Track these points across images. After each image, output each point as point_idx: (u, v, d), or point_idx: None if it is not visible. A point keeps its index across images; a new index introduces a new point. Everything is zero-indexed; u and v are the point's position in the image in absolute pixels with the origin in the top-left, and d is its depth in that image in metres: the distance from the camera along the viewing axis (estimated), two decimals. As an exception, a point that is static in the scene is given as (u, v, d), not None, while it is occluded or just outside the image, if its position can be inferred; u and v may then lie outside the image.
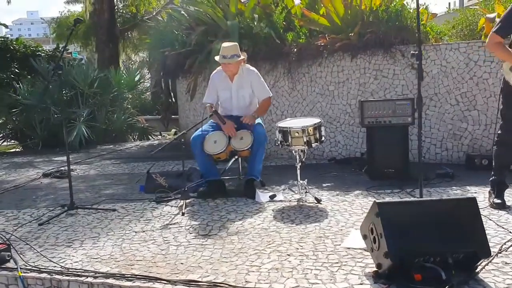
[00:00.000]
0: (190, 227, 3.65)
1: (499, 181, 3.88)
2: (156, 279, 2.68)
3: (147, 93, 11.76)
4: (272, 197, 4.37)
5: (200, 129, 4.71)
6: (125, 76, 11.18)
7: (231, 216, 3.90)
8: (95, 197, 4.85)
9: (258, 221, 3.72)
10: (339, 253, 2.96)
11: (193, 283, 2.61)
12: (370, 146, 5.19)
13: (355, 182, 4.96)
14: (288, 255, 2.97)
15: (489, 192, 3.96)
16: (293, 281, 2.57)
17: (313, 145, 4.23)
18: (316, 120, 4.30)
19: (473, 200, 2.56)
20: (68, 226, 3.83)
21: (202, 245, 3.24)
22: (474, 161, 5.36)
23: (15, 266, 2.94)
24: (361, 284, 2.49)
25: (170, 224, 3.76)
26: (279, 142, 4.36)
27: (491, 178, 3.95)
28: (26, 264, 3.00)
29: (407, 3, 5.95)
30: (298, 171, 4.31)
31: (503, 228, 3.26)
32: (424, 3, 6.33)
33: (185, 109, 8.47)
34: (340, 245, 3.11)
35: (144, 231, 3.61)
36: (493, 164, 3.95)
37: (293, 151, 4.33)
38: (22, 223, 3.94)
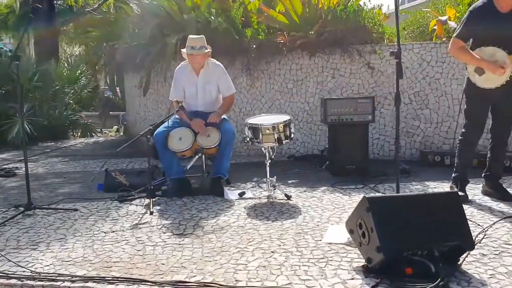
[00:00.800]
0: (162, 227, 3.53)
1: (462, 178, 4.05)
2: (140, 281, 2.55)
3: (88, 88, 11.23)
4: (241, 195, 4.32)
5: (164, 125, 4.55)
6: (66, 69, 10.68)
7: (203, 215, 3.81)
8: (50, 196, 4.57)
9: (233, 219, 3.66)
10: (322, 248, 2.96)
11: (181, 284, 2.52)
12: (331, 143, 5.27)
13: (318, 179, 5.01)
14: (272, 252, 2.94)
15: (451, 187, 4.13)
16: (284, 278, 2.55)
17: (284, 142, 4.21)
18: (286, 117, 4.29)
19: (455, 194, 2.65)
20: (28, 227, 3.58)
21: (179, 244, 3.14)
22: (427, 158, 5.59)
23: (-21, 273, 2.69)
24: (352, 279, 2.51)
25: (140, 224, 3.61)
26: (248, 139, 4.31)
27: (454, 175, 4.12)
28: (-10, 270, 2.76)
29: (364, 3, 6.09)
30: (268, 168, 4.28)
31: (471, 221, 3.40)
32: (380, 4, 6.47)
33: (135, 105, 8.20)
34: (321, 240, 3.11)
35: (113, 231, 3.44)
36: (456, 161, 4.11)
37: (263, 148, 4.30)
38: (-26, 226, 3.64)
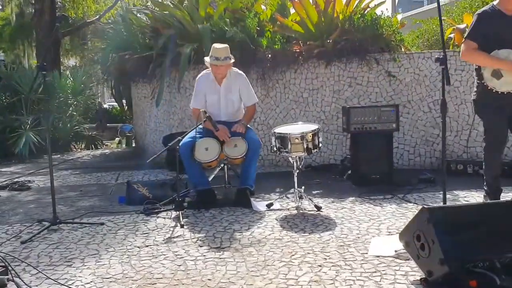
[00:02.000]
0: (197, 240, 3.41)
1: (494, 189, 3.95)
2: (192, 299, 2.44)
3: (93, 100, 11.14)
4: (269, 206, 4.22)
5: (189, 135, 4.45)
6: (70, 81, 10.55)
7: (236, 227, 3.70)
8: (71, 210, 4.43)
9: (267, 231, 3.56)
10: (371, 262, 2.87)
11: (235, 300, 2.41)
12: (354, 152, 5.19)
13: (342, 189, 4.92)
14: (320, 266, 2.84)
15: (484, 196, 4.04)
16: (341, 294, 2.45)
17: (313, 151, 4.13)
18: (315, 126, 4.22)
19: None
20: (57, 243, 3.45)
21: (220, 258, 3.03)
22: (450, 166, 5.53)
23: (18, 291, 2.56)
24: (413, 293, 2.41)
25: (173, 237, 3.49)
26: (275, 149, 4.22)
27: (485, 188, 3.98)
28: (29, 287, 2.63)
29: (381, 11, 6.06)
30: (296, 178, 4.21)
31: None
32: (396, 13, 6.44)
33: (145, 116, 8.09)
34: (367, 253, 3.02)
35: (147, 246, 3.32)
36: (485, 174, 4.00)
37: (290, 158, 4.21)
38: (0, 242, 3.50)
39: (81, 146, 10.30)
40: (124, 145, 12.57)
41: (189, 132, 4.29)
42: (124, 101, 9.99)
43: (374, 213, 3.94)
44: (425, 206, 2.47)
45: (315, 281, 2.61)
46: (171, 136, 6.80)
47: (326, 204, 4.29)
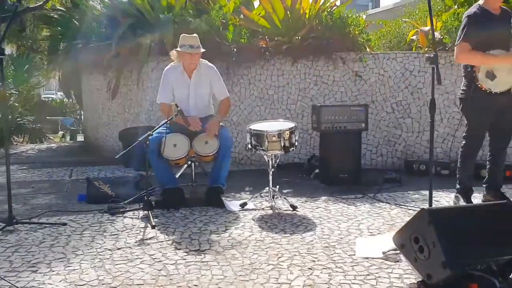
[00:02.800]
0: (172, 242, 3.20)
1: (467, 188, 4.02)
2: (183, 307, 2.24)
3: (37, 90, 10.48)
4: (243, 206, 4.06)
5: (156, 131, 4.19)
6: (11, 69, 9.86)
7: (212, 228, 3.51)
8: (26, 209, 4.06)
9: (246, 233, 3.40)
10: (362, 264, 2.78)
11: (231, 309, 2.24)
12: (324, 151, 5.13)
13: (312, 188, 4.85)
14: (310, 269, 2.72)
15: (456, 197, 4.08)
16: (340, 299, 2.34)
17: (290, 149, 4.01)
18: (291, 124, 4.10)
19: (509, 205, 2.57)
20: (15, 245, 3.11)
21: (202, 262, 2.84)
22: (412, 166, 5.61)
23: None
24: (413, 297, 2.34)
25: (146, 239, 3.26)
26: (250, 146, 4.07)
27: (458, 187, 4.05)
28: (-7, 299, 2.33)
29: (350, 10, 6.04)
30: (271, 177, 4.08)
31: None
32: (361, 13, 6.44)
33: (97, 109, 7.66)
34: (354, 255, 2.93)
35: (119, 248, 3.07)
36: (459, 173, 4.04)
37: (265, 156, 4.08)
38: None
39: (24, 139, 9.65)
40: (68, 139, 11.96)
41: (160, 126, 4.03)
42: (72, 93, 9.47)
43: (350, 213, 3.89)
44: (424, 208, 2.42)
45: (309, 285, 2.49)
46: (127, 131, 6.48)
47: (300, 203, 4.18)
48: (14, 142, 9.56)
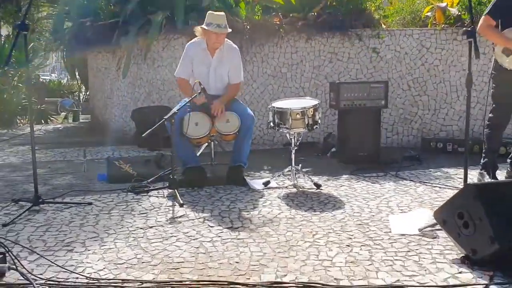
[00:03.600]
0: (204, 220, 3.17)
1: (491, 163, 4.01)
2: (230, 284, 2.21)
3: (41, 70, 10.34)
4: (266, 184, 4.02)
5: (175, 109, 4.11)
6: (14, 50, 9.66)
7: (240, 206, 3.48)
8: (48, 189, 4.01)
9: (275, 210, 3.37)
10: (400, 241, 2.76)
11: (279, 285, 2.21)
12: (342, 129, 5.08)
13: (331, 167, 4.82)
14: (348, 245, 2.69)
15: (481, 173, 4.07)
16: (386, 275, 2.31)
17: (314, 127, 3.96)
18: (315, 101, 4.04)
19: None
20: (45, 225, 3.07)
21: (238, 239, 2.81)
22: (430, 144, 5.57)
23: (24, 281, 2.21)
24: (460, 273, 2.32)
25: (176, 217, 3.22)
26: (272, 125, 4.02)
27: (483, 161, 4.06)
28: (36, 277, 2.28)
29: (365, -15, 5.93)
30: (293, 156, 4.04)
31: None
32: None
33: (105, 88, 7.54)
34: (390, 232, 2.91)
35: (151, 227, 3.03)
36: (485, 146, 4.05)
37: (288, 134, 4.03)
38: (-24, 224, 3.07)
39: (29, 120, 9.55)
40: (71, 120, 11.87)
41: (184, 104, 3.95)
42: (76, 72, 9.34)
43: (376, 191, 3.86)
44: (470, 183, 2.38)
45: (351, 262, 2.47)
46: (140, 110, 6.41)
47: (322, 182, 4.14)
48: (21, 123, 9.48)
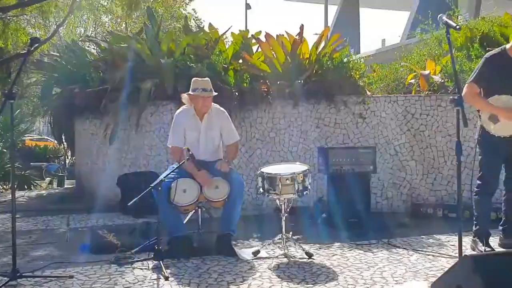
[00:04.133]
0: (191, 295, 3.01)
1: (484, 230, 3.95)
2: None
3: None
4: (255, 254, 3.89)
5: (165, 177, 4.05)
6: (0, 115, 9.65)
7: (228, 279, 3.34)
8: (26, 261, 3.82)
9: (266, 283, 3.23)
10: (397, 315, 2.64)
11: None
12: (332, 194, 5.03)
13: (323, 233, 4.72)
14: (344, 322, 2.56)
15: (474, 241, 3.99)
16: None
17: (304, 193, 3.90)
18: (304, 167, 4.01)
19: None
20: (22, 303, 2.89)
21: (227, 317, 2.66)
22: (420, 210, 5.53)
23: None
24: None
25: (162, 292, 3.06)
26: (262, 190, 3.95)
27: (475, 228, 4.00)
28: None
29: (351, 54, 6.11)
30: (284, 223, 3.95)
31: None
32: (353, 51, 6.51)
33: (91, 154, 7.45)
34: (386, 305, 2.79)
35: (135, 304, 2.87)
36: (475, 214, 4.00)
37: (277, 201, 3.96)
38: None
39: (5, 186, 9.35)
40: (55, 186, 11.65)
41: (172, 171, 3.89)
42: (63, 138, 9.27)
43: (369, 260, 3.75)
44: (467, 255, 2.31)
45: None
46: (127, 177, 6.32)
47: (314, 250, 4.03)
48: (1, 190, 9.26)
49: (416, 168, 5.91)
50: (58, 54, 8.29)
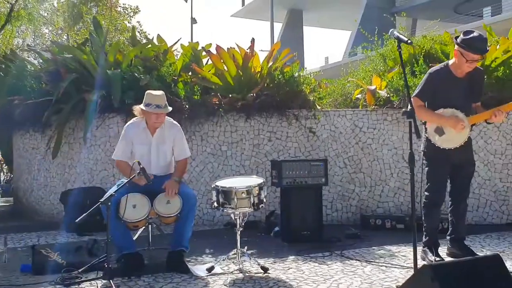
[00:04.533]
0: (144, 315, 2.87)
1: (433, 241, 4.05)
2: None
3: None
4: (209, 270, 3.79)
5: (112, 190, 3.88)
6: None
7: (184, 296, 3.21)
8: (-41, 285, 3.52)
9: (223, 299, 3.14)
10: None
11: None
12: (285, 207, 5.02)
13: (276, 247, 4.69)
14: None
15: (424, 251, 4.08)
16: None
17: (260, 206, 3.86)
18: (259, 180, 3.97)
19: (499, 258, 2.57)
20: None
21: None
22: (369, 221, 5.62)
23: None
24: None
25: (113, 314, 2.90)
26: (216, 205, 3.87)
27: (425, 239, 4.09)
28: None
29: (302, 69, 6.18)
30: (238, 237, 3.87)
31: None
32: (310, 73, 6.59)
33: (32, 169, 7.07)
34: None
35: (85, 327, 2.69)
36: (425, 225, 4.08)
37: (232, 215, 3.89)
38: None
39: None
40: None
41: (122, 186, 3.73)
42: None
43: (325, 272, 3.75)
44: (426, 264, 2.34)
45: None
46: (70, 192, 6.03)
47: (269, 264, 3.97)
48: None
49: (364, 181, 6.03)
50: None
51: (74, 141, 6.40)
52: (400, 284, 3.31)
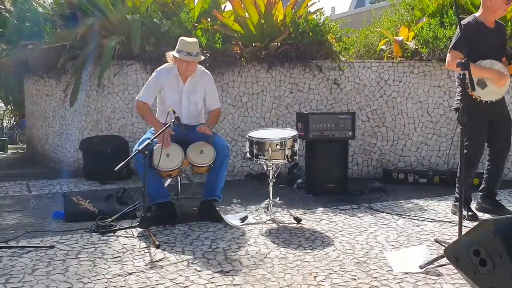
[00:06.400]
0: (188, 263, 2.86)
1: (466, 197, 4.01)
2: None
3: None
4: (243, 219, 3.77)
5: (144, 138, 3.82)
6: None
7: (223, 245, 3.20)
8: (-7, 230, 3.50)
9: (263, 249, 3.13)
10: (406, 280, 2.62)
11: None
12: (310, 160, 4.97)
13: (301, 199, 4.67)
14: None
15: (455, 205, 4.06)
16: (408, 320, 2.15)
17: (293, 158, 3.80)
18: (293, 132, 3.89)
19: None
20: (3, 275, 2.62)
21: (235, 285, 2.54)
22: (391, 175, 5.58)
23: None
24: (482, 314, 2.21)
25: (156, 261, 2.89)
26: (249, 155, 3.81)
27: (457, 195, 4.07)
28: None
29: (326, 17, 5.96)
30: (271, 188, 3.84)
31: None
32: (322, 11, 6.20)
33: (47, 116, 6.96)
34: (392, 270, 2.77)
35: (131, 273, 2.68)
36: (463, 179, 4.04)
37: (265, 166, 3.83)
38: None
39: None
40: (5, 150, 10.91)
41: (157, 135, 3.65)
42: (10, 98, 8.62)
43: (359, 225, 3.73)
44: (487, 218, 2.30)
45: (366, 307, 2.28)
46: (90, 140, 5.95)
47: (300, 215, 3.95)
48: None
49: (387, 135, 5.95)
50: (3, 8, 7.57)
51: (90, 89, 6.24)
52: (438, 237, 3.35)
